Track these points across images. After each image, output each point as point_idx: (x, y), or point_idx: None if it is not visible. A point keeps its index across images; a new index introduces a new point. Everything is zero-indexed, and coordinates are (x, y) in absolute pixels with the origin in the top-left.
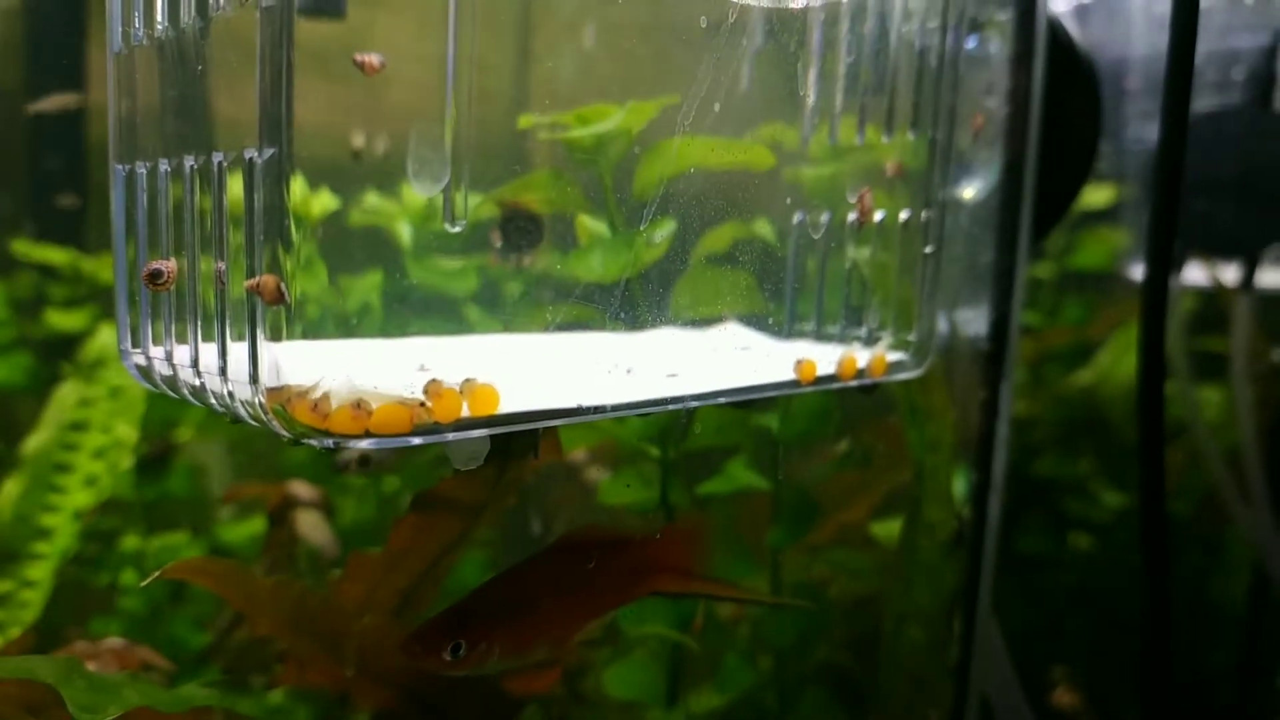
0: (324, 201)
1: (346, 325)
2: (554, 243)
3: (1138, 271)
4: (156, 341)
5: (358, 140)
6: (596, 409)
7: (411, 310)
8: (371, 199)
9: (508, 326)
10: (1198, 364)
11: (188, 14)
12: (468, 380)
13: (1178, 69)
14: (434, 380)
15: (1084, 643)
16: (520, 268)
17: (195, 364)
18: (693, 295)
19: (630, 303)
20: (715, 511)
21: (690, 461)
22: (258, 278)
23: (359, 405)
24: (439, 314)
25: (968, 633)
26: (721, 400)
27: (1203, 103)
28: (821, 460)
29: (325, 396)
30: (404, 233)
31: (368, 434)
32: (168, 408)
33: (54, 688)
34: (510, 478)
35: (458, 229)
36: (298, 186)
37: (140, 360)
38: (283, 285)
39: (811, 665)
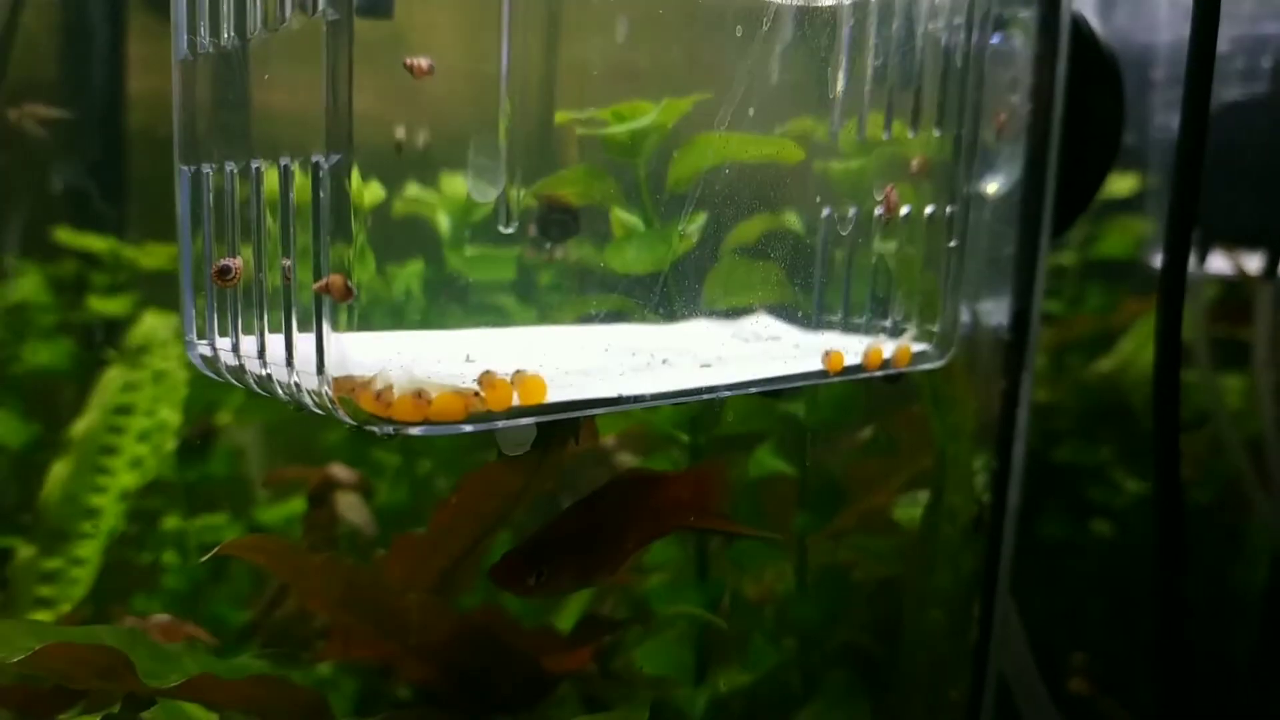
0: (373, 192)
1: (395, 315)
2: (590, 236)
3: (1161, 260)
4: (222, 333)
5: (399, 132)
6: (637, 398)
7: (452, 300)
8: (413, 189)
9: (545, 318)
10: (1220, 353)
11: (254, 25)
12: (518, 371)
13: (1199, 57)
14: (487, 371)
15: (1103, 629)
16: (556, 260)
17: (261, 355)
18: (724, 287)
19: (665, 295)
20: (743, 498)
21: (719, 446)
22: (326, 278)
23: (420, 395)
24: (478, 304)
25: (986, 616)
26: (753, 390)
27: (1230, 92)
28: (847, 447)
29: (389, 386)
30: (444, 223)
31: (426, 421)
32: (209, 392)
33: (122, 654)
34: (551, 462)
35: (511, 230)
36: (358, 188)
37: (206, 351)
38: (350, 283)
39: (835, 646)
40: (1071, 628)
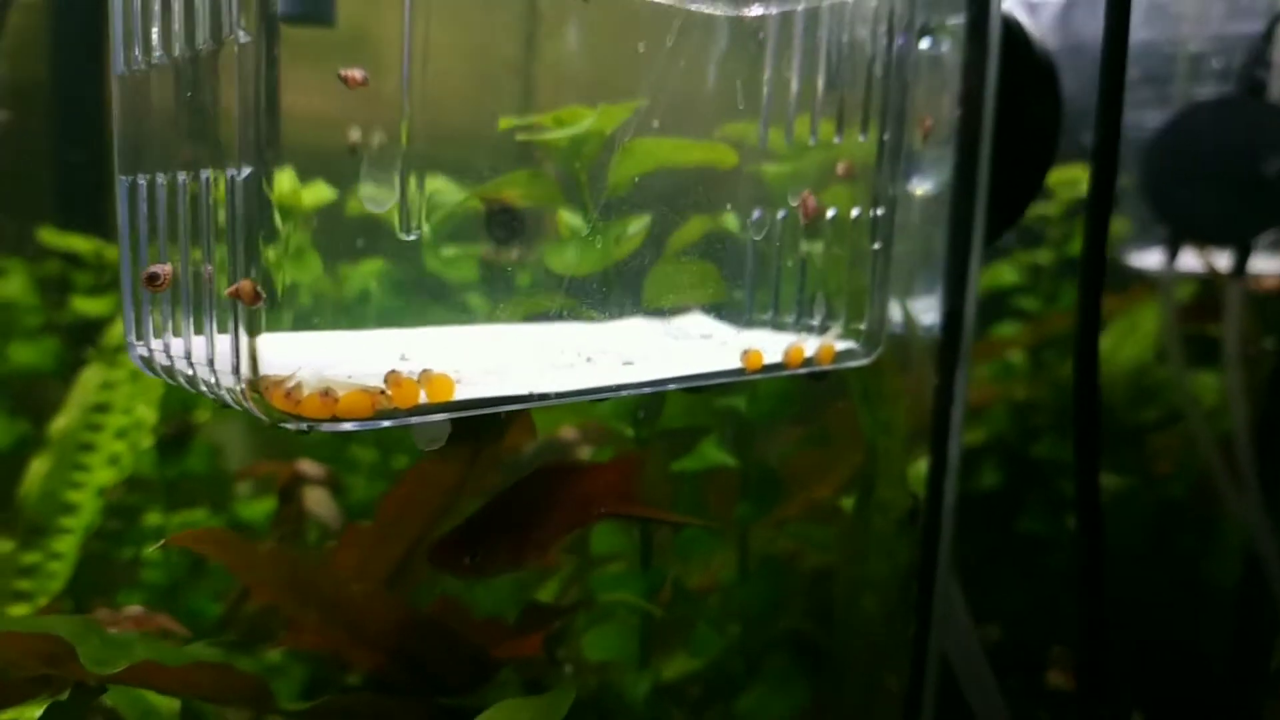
0: (319, 193)
1: (348, 314)
2: (534, 237)
3: (1137, 258)
4: (156, 335)
5: (354, 135)
6: (543, 396)
7: (401, 299)
8: (368, 189)
9: (490, 316)
10: (1192, 350)
11: (179, 45)
12: (425, 371)
13: (1112, 58)
14: (393, 371)
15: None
16: (501, 260)
17: (188, 356)
18: (660, 287)
19: (602, 294)
20: (686, 488)
21: (666, 440)
22: (237, 284)
23: (327, 393)
24: (427, 303)
25: (924, 606)
26: (672, 387)
27: (1203, 90)
28: (787, 439)
29: (298, 385)
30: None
31: (335, 418)
32: (186, 391)
33: (66, 642)
34: (487, 457)
35: (413, 237)
36: (279, 192)
37: (144, 352)
38: (258, 288)
39: (777, 633)
40: (1051, 621)
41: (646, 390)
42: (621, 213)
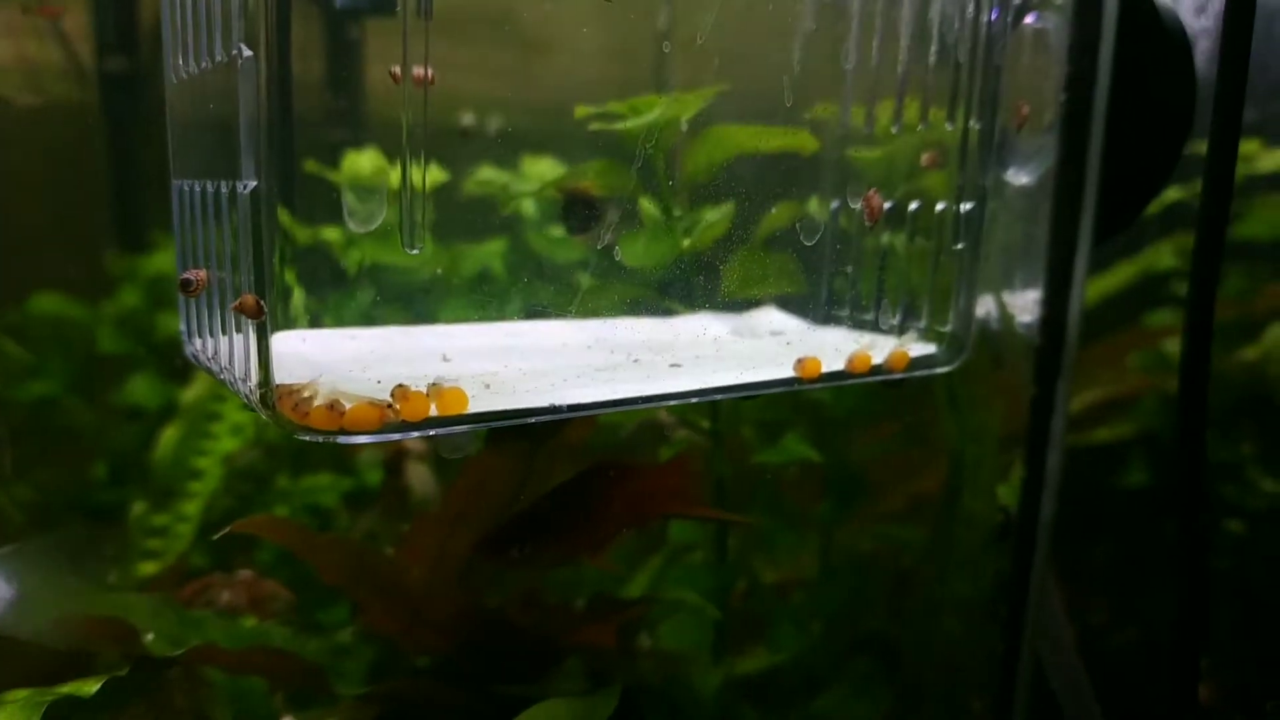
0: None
1: (406, 304)
2: (620, 228)
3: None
4: (200, 336)
5: (466, 119)
6: (555, 409)
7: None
8: (487, 172)
9: (555, 309)
10: None
11: (215, 55)
12: (434, 384)
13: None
14: (400, 385)
15: (1230, 633)
16: (580, 250)
17: (215, 357)
18: (733, 279)
19: (671, 287)
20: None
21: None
22: (240, 298)
23: (333, 406)
24: (485, 296)
25: (1013, 631)
26: (715, 397)
27: None
28: (874, 437)
29: (308, 397)
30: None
31: (343, 431)
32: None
33: (129, 624)
34: (548, 449)
35: (416, 251)
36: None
37: (193, 350)
38: (261, 302)
39: (861, 634)
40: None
41: (675, 401)
42: (698, 202)
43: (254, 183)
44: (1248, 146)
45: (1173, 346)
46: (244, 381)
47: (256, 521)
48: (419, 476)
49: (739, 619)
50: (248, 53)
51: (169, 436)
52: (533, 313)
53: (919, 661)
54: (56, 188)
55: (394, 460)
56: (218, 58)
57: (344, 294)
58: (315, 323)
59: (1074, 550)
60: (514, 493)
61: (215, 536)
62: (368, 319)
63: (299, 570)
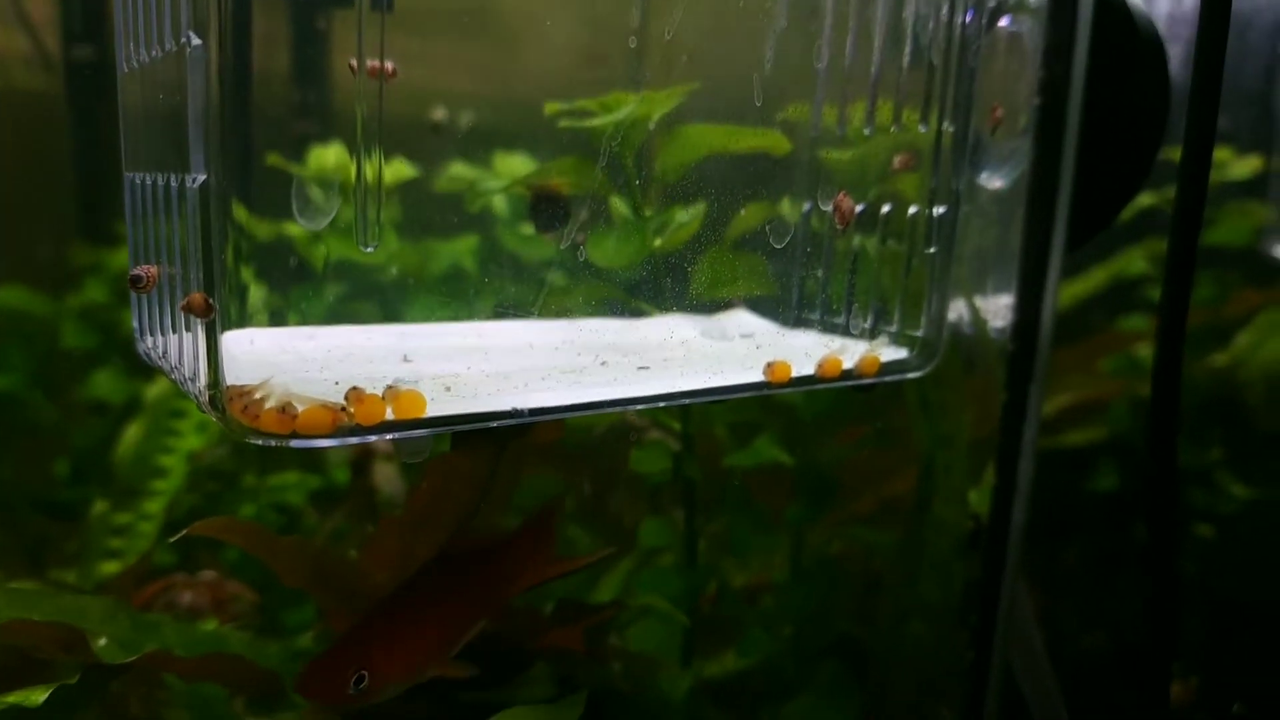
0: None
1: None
2: (579, 225)
3: None
4: (150, 334)
5: (438, 114)
6: (517, 413)
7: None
8: (458, 168)
9: (523, 308)
10: None
11: (165, 43)
12: (390, 387)
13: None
14: (355, 388)
15: (1201, 638)
16: (550, 249)
17: (165, 355)
18: (703, 281)
19: (640, 288)
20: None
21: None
22: (188, 296)
23: (285, 409)
24: (449, 296)
25: (983, 639)
26: (682, 401)
27: None
28: (846, 439)
29: (258, 399)
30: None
31: (295, 435)
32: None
33: (79, 630)
34: (514, 451)
35: (370, 249)
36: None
37: (144, 348)
38: (210, 300)
39: (831, 638)
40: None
41: (642, 406)
42: (668, 202)
43: (203, 176)
44: (1220, 154)
45: (1144, 351)
46: (193, 382)
47: (215, 523)
48: (386, 477)
49: (708, 623)
50: (196, 41)
51: (132, 433)
52: (501, 312)
53: (889, 667)
54: (20, 178)
55: (360, 460)
56: (167, 46)
57: (308, 291)
58: (277, 320)
59: (1044, 554)
60: (479, 495)
61: (172, 539)
62: (334, 316)
63: (265, 571)
